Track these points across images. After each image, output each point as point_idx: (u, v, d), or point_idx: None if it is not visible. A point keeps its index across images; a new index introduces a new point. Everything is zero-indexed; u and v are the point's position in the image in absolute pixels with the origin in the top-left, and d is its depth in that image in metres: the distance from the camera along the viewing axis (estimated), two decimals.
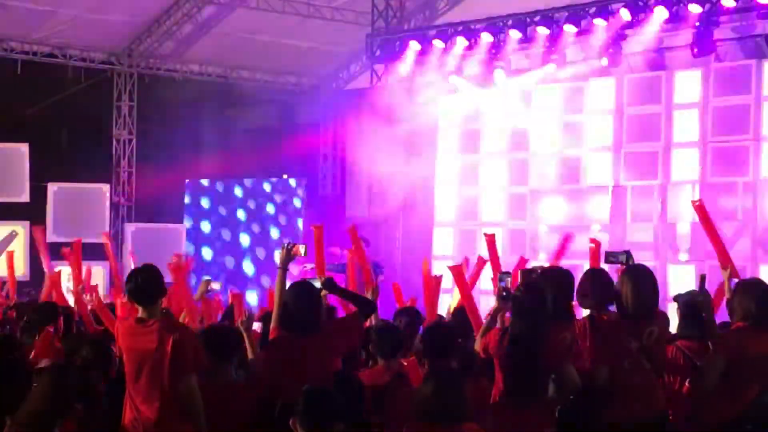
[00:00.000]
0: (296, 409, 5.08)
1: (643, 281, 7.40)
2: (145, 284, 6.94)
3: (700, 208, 9.03)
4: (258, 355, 7.70)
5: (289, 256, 7.89)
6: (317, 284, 7.71)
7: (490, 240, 10.20)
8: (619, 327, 7.30)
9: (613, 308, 7.49)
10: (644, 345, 7.25)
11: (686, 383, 7.40)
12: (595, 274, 7.72)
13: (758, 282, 7.67)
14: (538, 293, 7.34)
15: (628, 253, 8.14)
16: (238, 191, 20.72)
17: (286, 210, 20.35)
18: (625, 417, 7.15)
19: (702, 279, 7.73)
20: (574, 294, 7.55)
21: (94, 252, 14.38)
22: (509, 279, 8.09)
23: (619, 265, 8.11)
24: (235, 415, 7.08)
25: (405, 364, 7.63)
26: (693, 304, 7.59)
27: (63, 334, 8.78)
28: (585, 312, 7.51)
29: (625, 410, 7.16)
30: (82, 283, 10.79)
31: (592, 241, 9.61)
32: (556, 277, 7.64)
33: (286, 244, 7.98)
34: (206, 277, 10.62)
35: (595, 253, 9.36)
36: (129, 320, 7.07)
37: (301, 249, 8.06)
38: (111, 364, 7.50)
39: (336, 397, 5.29)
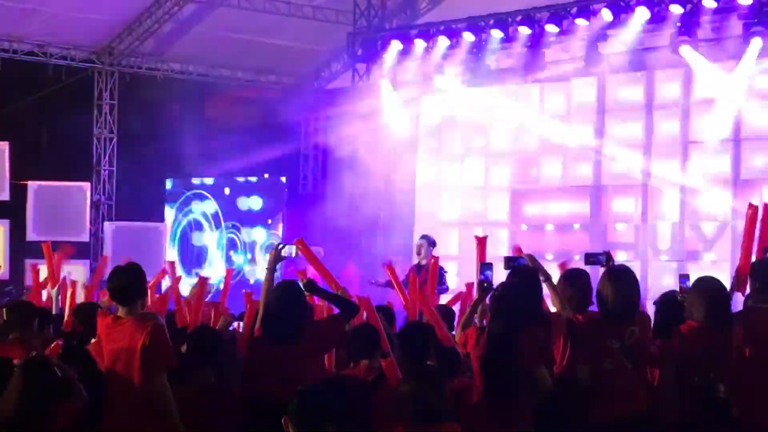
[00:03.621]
0: (290, 408, 5.04)
1: (625, 282, 7.41)
2: (125, 284, 6.92)
3: (754, 213, 8.42)
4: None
5: (278, 258, 7.81)
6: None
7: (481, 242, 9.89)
8: (600, 327, 7.31)
9: (593, 308, 7.51)
10: (625, 345, 7.26)
11: None
12: (574, 276, 7.72)
13: (712, 280, 7.61)
14: (514, 293, 7.32)
15: (608, 254, 8.14)
16: (218, 190, 20.66)
17: (267, 209, 20.29)
18: (608, 417, 7.16)
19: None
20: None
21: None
22: (491, 271, 8.03)
23: (599, 266, 8.11)
24: (210, 419, 7.03)
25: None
26: (679, 304, 7.63)
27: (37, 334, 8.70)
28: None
29: (607, 410, 7.17)
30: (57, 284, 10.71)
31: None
32: (526, 277, 7.57)
33: (276, 246, 7.91)
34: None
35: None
36: (107, 319, 7.06)
37: (292, 250, 8.00)
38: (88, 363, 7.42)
39: (332, 397, 5.24)
